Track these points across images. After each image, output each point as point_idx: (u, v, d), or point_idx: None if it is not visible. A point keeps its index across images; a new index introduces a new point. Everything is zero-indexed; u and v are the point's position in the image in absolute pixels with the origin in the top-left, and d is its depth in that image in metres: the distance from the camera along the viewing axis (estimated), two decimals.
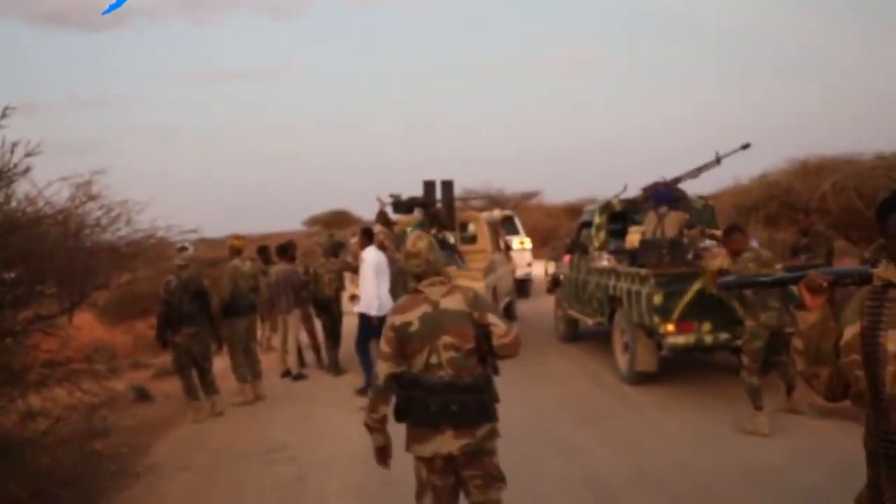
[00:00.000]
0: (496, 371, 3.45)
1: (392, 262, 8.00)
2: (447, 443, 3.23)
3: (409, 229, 10.25)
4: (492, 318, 3.34)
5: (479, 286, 8.80)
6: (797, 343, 2.22)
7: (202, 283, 7.55)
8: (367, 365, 7.77)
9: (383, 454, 3.44)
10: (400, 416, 3.33)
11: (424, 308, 3.31)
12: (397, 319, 3.33)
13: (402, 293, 6.63)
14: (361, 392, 7.74)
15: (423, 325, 3.28)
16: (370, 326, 7.69)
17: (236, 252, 8.40)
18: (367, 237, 8.18)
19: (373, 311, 7.68)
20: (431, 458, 3.28)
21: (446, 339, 3.26)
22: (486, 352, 3.33)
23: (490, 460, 3.38)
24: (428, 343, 3.27)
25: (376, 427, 3.38)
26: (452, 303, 3.33)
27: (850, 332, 2.09)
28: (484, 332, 3.30)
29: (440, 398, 3.22)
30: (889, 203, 2.05)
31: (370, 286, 7.70)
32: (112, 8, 9.39)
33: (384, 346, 3.34)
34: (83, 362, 6.17)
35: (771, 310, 5.69)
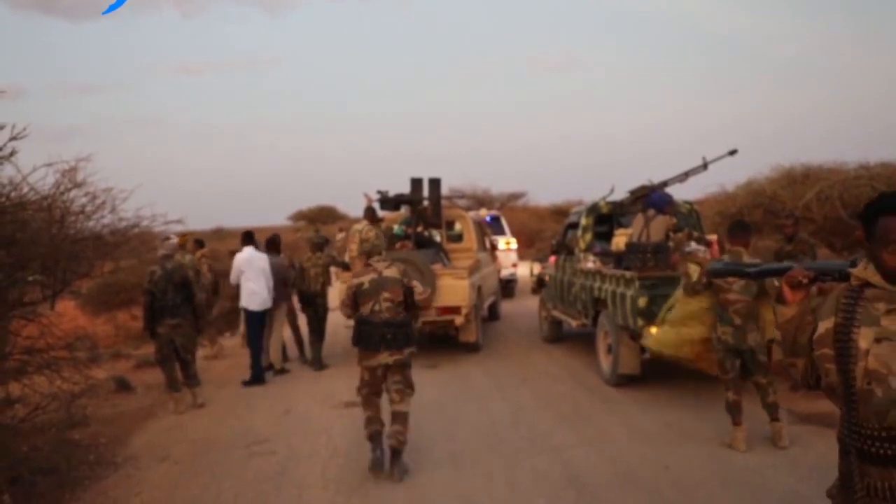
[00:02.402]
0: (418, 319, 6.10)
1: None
2: (385, 358, 5.15)
3: (395, 226, 10.26)
4: (414, 283, 5.35)
5: (464, 285, 8.81)
6: (776, 335, 2.33)
7: (186, 274, 7.52)
8: (256, 355, 8.49)
9: None
10: (355, 341, 5.24)
11: (372, 275, 5.26)
12: (355, 281, 5.29)
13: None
14: (248, 384, 8.35)
15: (371, 285, 5.22)
16: (254, 319, 8.57)
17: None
18: (248, 239, 8.79)
19: (251, 307, 8.50)
20: (376, 367, 5.18)
21: (385, 294, 5.19)
22: (409, 303, 5.28)
23: (408, 371, 5.28)
24: (374, 297, 5.19)
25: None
26: (391, 272, 5.27)
27: (824, 326, 2.17)
28: (409, 291, 5.27)
29: (380, 330, 5.12)
30: (877, 206, 2.06)
31: (249, 284, 8.46)
32: (112, 8, 9.26)
33: (346, 299, 5.32)
34: (64, 350, 6.09)
35: (728, 325, 5.36)
